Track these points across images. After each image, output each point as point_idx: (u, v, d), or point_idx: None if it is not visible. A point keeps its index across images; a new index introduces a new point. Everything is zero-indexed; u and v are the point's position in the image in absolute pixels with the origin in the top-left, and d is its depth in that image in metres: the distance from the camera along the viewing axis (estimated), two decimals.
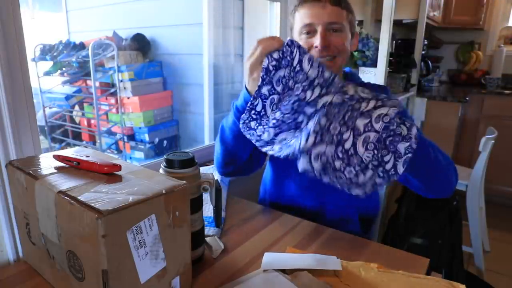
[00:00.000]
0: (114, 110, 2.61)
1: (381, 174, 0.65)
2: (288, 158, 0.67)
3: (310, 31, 0.88)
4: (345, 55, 0.91)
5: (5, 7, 0.70)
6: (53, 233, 0.57)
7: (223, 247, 0.80)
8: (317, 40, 0.87)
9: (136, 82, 2.47)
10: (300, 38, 0.90)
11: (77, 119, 2.99)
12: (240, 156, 0.92)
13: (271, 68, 0.70)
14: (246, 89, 0.79)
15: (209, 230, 0.86)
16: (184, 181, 0.60)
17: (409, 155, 0.63)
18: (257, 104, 0.73)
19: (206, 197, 0.77)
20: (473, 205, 1.93)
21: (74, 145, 2.84)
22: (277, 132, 0.72)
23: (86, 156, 0.65)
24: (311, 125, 0.65)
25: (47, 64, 2.84)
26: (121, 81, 2.47)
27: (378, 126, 0.64)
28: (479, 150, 1.85)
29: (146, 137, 2.52)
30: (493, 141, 1.85)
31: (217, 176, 1.02)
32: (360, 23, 2.59)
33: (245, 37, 1.93)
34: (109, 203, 0.50)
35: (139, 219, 0.52)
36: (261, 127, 0.74)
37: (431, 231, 1.64)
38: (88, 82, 2.73)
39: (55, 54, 2.74)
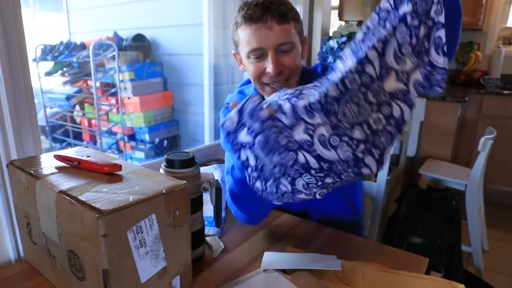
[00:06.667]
0: (114, 110, 2.61)
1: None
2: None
3: (259, 55, 0.81)
4: (298, 72, 0.87)
5: (6, 8, 0.70)
6: (54, 232, 0.58)
7: (223, 247, 0.80)
8: (269, 66, 0.80)
9: (137, 82, 2.47)
10: (249, 62, 0.84)
11: (78, 119, 2.99)
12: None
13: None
14: None
15: (209, 230, 0.87)
16: (185, 181, 0.61)
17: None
18: None
19: (206, 197, 0.77)
20: (472, 204, 1.93)
21: (75, 145, 2.84)
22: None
23: (87, 156, 0.66)
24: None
25: (48, 65, 2.85)
26: (122, 81, 2.47)
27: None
28: (478, 150, 1.85)
29: (147, 137, 2.52)
30: (492, 141, 1.85)
31: (217, 176, 1.02)
32: (360, 23, 2.60)
33: None
34: (110, 203, 0.50)
35: (139, 218, 0.53)
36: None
37: (431, 231, 1.65)
38: (89, 82, 2.73)
39: (56, 54, 2.75)
